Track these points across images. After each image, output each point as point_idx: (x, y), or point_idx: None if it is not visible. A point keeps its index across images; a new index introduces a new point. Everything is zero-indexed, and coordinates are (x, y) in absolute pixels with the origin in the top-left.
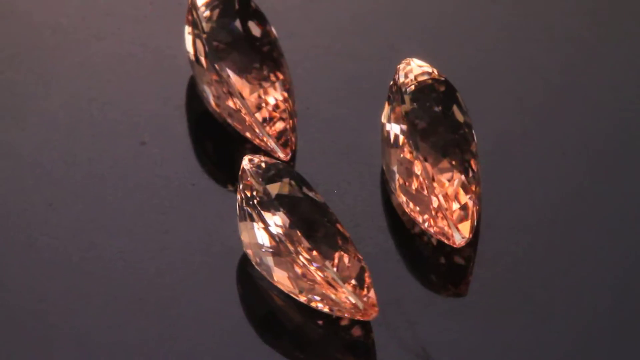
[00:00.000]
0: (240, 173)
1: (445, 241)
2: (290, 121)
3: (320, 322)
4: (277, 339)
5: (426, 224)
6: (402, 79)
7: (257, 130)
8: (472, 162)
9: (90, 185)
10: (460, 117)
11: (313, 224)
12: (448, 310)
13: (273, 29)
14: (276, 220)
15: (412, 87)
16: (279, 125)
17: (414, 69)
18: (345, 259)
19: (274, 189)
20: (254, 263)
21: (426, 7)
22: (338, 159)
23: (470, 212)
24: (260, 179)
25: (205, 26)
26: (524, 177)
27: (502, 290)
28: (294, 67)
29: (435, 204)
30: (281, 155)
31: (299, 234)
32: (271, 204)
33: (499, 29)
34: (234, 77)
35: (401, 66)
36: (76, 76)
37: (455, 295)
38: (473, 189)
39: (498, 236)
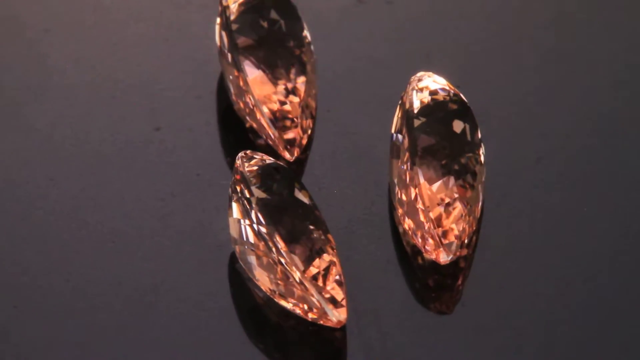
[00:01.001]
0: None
1: (432, 257)
2: (305, 122)
3: (294, 324)
4: (251, 337)
5: (419, 238)
6: (411, 92)
7: (266, 128)
8: (473, 183)
9: (96, 165)
10: (467, 137)
11: (294, 226)
12: (425, 326)
13: (306, 30)
14: (260, 219)
15: (422, 101)
16: (289, 126)
17: (429, 83)
18: (322, 264)
19: (261, 187)
20: (239, 259)
21: (467, 22)
22: (348, 165)
23: (458, 232)
24: (250, 176)
25: (233, 20)
26: (525, 202)
27: (485, 313)
28: (323, 69)
29: (425, 219)
30: (287, 155)
31: (278, 235)
32: (257, 202)
33: (536, 52)
34: (250, 73)
35: (414, 79)
36: (107, 56)
37: (439, 312)
38: (467, 208)
39: (492, 257)
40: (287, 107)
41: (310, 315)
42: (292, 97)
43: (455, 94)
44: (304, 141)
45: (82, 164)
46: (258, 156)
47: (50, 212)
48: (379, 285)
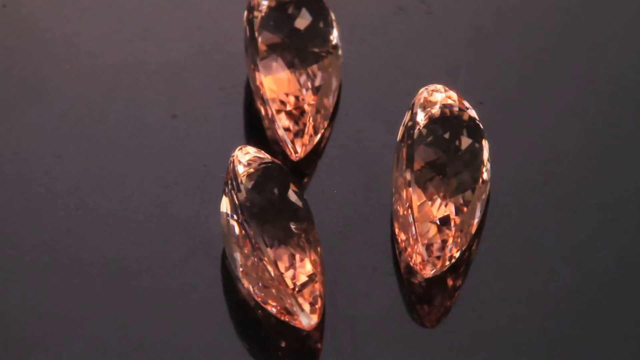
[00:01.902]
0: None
1: (418, 270)
2: (316, 123)
3: (272, 321)
4: (227, 330)
5: (408, 250)
6: (417, 103)
7: (275, 126)
8: (470, 200)
9: (106, 146)
10: (469, 154)
11: (279, 227)
12: (401, 338)
13: (335, 32)
14: (246, 216)
15: (427, 113)
16: (299, 126)
17: (438, 96)
18: (302, 268)
19: (251, 184)
20: (227, 252)
21: (503, 40)
22: (355, 170)
23: (445, 248)
24: (242, 172)
25: (259, 15)
26: (524, 223)
27: (464, 332)
28: (351, 72)
29: (414, 233)
30: (292, 155)
31: (261, 235)
32: (246, 199)
33: (570, 79)
34: (265, 70)
35: (424, 90)
36: (138, 40)
37: (418, 326)
38: (458, 225)
39: (484, 277)
40: (299, 107)
41: (283, 316)
42: (306, 98)
43: (461, 109)
44: (313, 142)
45: (92, 144)
46: (254, 151)
47: (51, 188)
48: (362, 291)
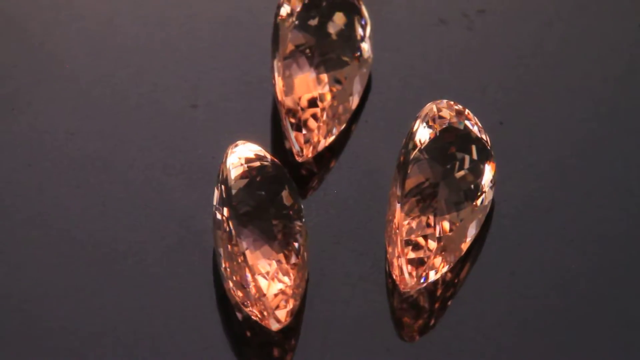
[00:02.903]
0: None
1: (397, 284)
2: (327, 127)
3: (247, 318)
4: (202, 322)
5: (394, 262)
6: (422, 117)
7: (283, 125)
8: (458, 220)
9: (120, 128)
10: (463, 175)
11: (262, 227)
12: (374, 349)
13: (366, 40)
14: (231, 213)
15: (427, 129)
16: (308, 128)
17: (443, 112)
18: (278, 272)
19: (240, 181)
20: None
21: (539, 63)
22: (362, 177)
23: (426, 268)
24: (234, 168)
25: (289, 14)
26: (516, 249)
27: (441, 347)
28: (381, 80)
29: (397, 247)
30: (297, 155)
31: (244, 233)
32: (234, 195)
33: (593, 109)
34: (282, 70)
35: (433, 105)
36: (174, 27)
37: (398, 338)
38: (442, 245)
39: (469, 298)
40: (312, 109)
41: (255, 315)
42: (321, 101)
43: (466, 128)
44: (322, 145)
45: (107, 124)
46: (256, 149)
47: (57, 163)
48: (342, 298)
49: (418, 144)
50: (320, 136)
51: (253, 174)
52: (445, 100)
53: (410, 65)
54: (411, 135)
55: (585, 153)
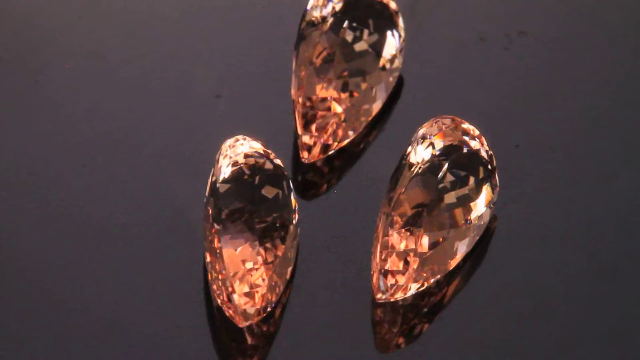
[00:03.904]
0: None
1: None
2: (341, 132)
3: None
4: (179, 309)
5: (373, 272)
6: (422, 133)
7: (295, 124)
8: (445, 242)
9: (138, 112)
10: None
11: (242, 222)
12: (345, 357)
13: (396, 49)
14: (214, 208)
15: (427, 146)
16: (318, 130)
17: (445, 129)
18: (253, 269)
19: (227, 175)
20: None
21: (571, 90)
22: (366, 184)
23: (400, 281)
24: (225, 163)
25: (317, 16)
26: (505, 268)
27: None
28: (412, 90)
29: (376, 257)
30: (303, 156)
31: (223, 228)
32: (222, 190)
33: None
34: (302, 71)
35: (440, 119)
36: (203, 18)
37: (372, 347)
38: (423, 262)
39: (451, 315)
40: (326, 112)
41: (227, 311)
42: (335, 106)
43: (467, 147)
44: (332, 149)
45: (126, 107)
46: (249, 142)
47: (69, 139)
48: (320, 303)
49: (412, 158)
50: (331, 140)
51: (245, 171)
52: (451, 117)
53: (440, 79)
54: (408, 149)
55: (596, 187)
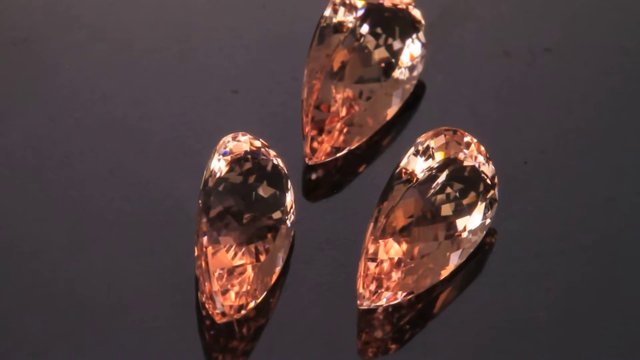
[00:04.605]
0: None
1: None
2: (343, 137)
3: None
4: (160, 307)
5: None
6: (425, 141)
7: (303, 121)
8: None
9: (154, 101)
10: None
11: (231, 219)
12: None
13: (415, 57)
14: (204, 203)
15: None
16: (327, 133)
17: (439, 141)
18: (237, 267)
19: (219, 171)
20: None
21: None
22: (368, 190)
23: (383, 288)
24: (219, 159)
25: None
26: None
27: None
28: (430, 99)
29: (362, 261)
30: (307, 155)
31: (210, 226)
32: (214, 186)
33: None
34: (319, 69)
35: (443, 130)
36: (228, 13)
37: (350, 352)
38: (407, 270)
39: (440, 329)
40: (335, 116)
41: (206, 303)
42: (344, 110)
43: (461, 160)
44: (339, 152)
45: (143, 95)
46: (247, 138)
47: (81, 124)
48: (304, 305)
49: (404, 169)
50: (337, 143)
51: (239, 167)
52: (454, 129)
53: (459, 91)
54: (404, 158)
55: (597, 210)
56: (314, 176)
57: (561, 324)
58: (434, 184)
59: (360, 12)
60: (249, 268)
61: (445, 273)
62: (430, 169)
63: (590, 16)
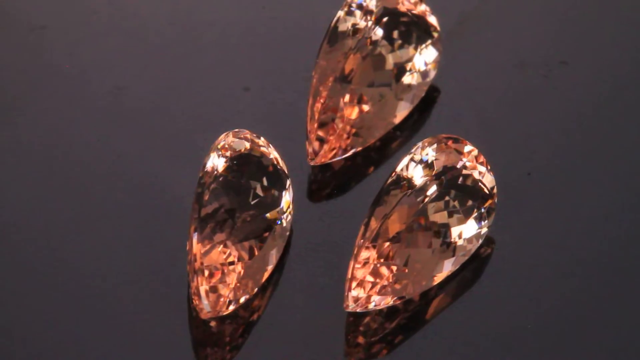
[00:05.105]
0: None
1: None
2: (346, 142)
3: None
4: (149, 298)
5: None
6: (425, 148)
7: (308, 121)
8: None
9: (165, 94)
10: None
11: (222, 216)
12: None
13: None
14: (202, 198)
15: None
16: (330, 135)
17: (435, 149)
18: (224, 262)
19: (214, 168)
20: None
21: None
22: (369, 194)
23: (368, 293)
24: (219, 157)
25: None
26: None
27: None
28: (445, 104)
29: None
30: (309, 157)
31: (200, 220)
32: (210, 183)
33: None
34: (323, 77)
35: (444, 140)
36: (250, 11)
37: (344, 357)
38: (396, 276)
39: (422, 332)
40: (340, 120)
41: (193, 298)
42: (349, 115)
43: (458, 169)
44: (342, 154)
45: (155, 88)
46: (245, 134)
47: (89, 114)
48: (293, 304)
49: (404, 173)
50: (341, 145)
51: (238, 167)
52: (455, 137)
53: (470, 98)
54: (401, 164)
55: (597, 227)
56: (315, 177)
57: (548, 337)
58: (429, 192)
59: (375, 16)
60: (238, 266)
61: (437, 280)
62: (427, 175)
63: (609, 32)
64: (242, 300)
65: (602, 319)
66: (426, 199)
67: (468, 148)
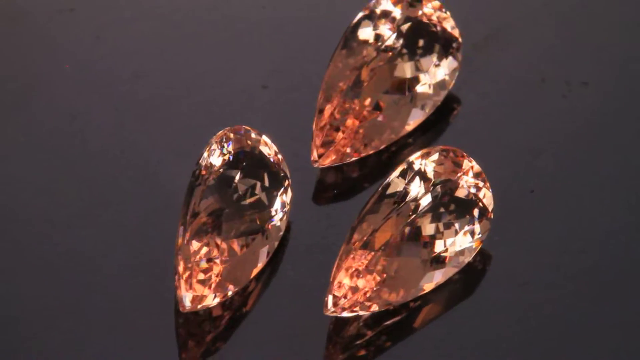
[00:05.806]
0: None
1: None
2: (358, 147)
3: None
4: (137, 287)
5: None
6: (421, 160)
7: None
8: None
9: (182, 89)
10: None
11: (216, 213)
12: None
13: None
14: (195, 193)
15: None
16: (336, 139)
17: (432, 160)
18: (209, 257)
19: (212, 165)
20: None
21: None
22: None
23: (352, 299)
24: (214, 151)
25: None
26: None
27: None
28: (467, 117)
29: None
30: (313, 155)
31: (192, 213)
32: (205, 179)
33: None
34: (332, 79)
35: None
36: (270, 8)
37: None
38: (383, 283)
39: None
40: (346, 125)
41: (177, 291)
42: (355, 120)
43: (453, 182)
44: (346, 159)
45: (172, 80)
46: (242, 132)
47: (104, 100)
48: (280, 304)
49: (397, 182)
50: (346, 150)
51: (232, 162)
52: (455, 149)
53: (486, 112)
54: (394, 173)
55: (598, 248)
56: (318, 179)
57: (531, 353)
58: (422, 202)
59: (396, 24)
60: (223, 263)
61: (425, 289)
62: (420, 186)
63: (633, 57)
64: (225, 296)
65: (595, 335)
66: (419, 209)
67: (467, 161)
